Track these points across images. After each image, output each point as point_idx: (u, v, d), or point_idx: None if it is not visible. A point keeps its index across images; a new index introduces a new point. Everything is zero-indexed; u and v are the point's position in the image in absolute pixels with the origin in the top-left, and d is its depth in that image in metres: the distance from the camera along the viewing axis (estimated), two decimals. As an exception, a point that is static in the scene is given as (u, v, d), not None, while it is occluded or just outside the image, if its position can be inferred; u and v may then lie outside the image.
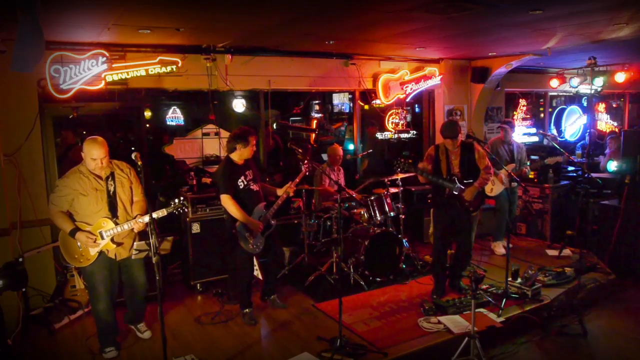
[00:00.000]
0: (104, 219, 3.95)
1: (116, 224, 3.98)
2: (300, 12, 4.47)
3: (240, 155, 4.66)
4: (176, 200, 3.98)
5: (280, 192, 4.92)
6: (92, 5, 3.95)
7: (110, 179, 4.01)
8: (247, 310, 4.85)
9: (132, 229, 4.04)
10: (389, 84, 7.50)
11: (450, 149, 5.07)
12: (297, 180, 4.94)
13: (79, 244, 3.92)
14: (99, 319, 4.17)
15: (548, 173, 7.39)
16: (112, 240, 3.98)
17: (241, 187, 4.64)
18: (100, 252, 3.99)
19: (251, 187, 4.72)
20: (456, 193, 4.96)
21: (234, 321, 4.83)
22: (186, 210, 4.21)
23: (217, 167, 4.80)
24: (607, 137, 9.55)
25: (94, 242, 3.88)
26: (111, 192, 4.00)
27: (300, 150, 4.97)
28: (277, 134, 8.78)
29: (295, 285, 5.73)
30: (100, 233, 3.93)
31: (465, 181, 4.99)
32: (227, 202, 4.50)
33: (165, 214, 3.99)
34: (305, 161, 4.97)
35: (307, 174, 4.99)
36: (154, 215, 3.91)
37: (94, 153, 3.86)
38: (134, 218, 4.02)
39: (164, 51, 5.74)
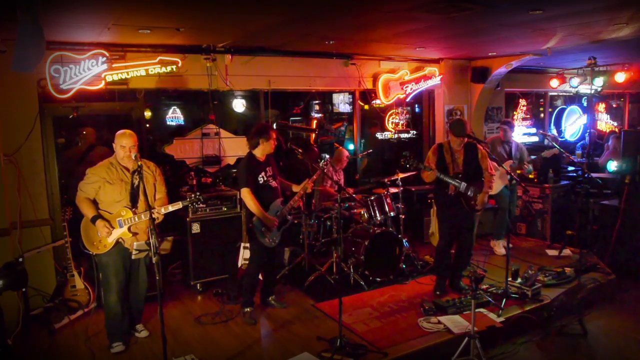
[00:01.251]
0: (124, 208, 4.11)
1: (134, 213, 4.12)
2: (300, 12, 4.47)
3: (262, 150, 4.76)
4: (193, 195, 4.18)
5: (297, 188, 4.96)
6: (92, 5, 3.96)
7: (136, 173, 4.17)
8: (247, 309, 4.87)
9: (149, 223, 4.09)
10: (389, 84, 7.50)
11: (455, 148, 5.07)
12: (315, 177, 5.00)
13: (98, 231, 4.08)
14: (109, 311, 4.24)
15: (548, 173, 7.38)
16: (129, 229, 4.11)
17: (261, 182, 4.72)
18: (117, 243, 4.11)
19: (270, 183, 4.80)
20: (462, 191, 4.95)
21: (234, 321, 4.82)
22: (201, 205, 4.37)
23: (240, 162, 4.98)
24: (609, 136, 9.53)
25: (108, 233, 4.03)
26: (135, 185, 4.16)
27: (300, 150, 4.98)
28: (279, 134, 8.78)
29: (295, 285, 5.73)
30: (119, 221, 4.09)
31: (469, 180, 5.00)
32: (246, 196, 4.60)
33: (181, 206, 4.16)
34: (327, 160, 5.11)
35: (324, 171, 5.04)
36: (170, 207, 4.13)
37: (123, 141, 4.11)
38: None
39: (164, 51, 5.74)
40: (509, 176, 5.25)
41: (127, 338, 4.39)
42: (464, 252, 5.34)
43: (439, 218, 5.36)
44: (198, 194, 4.20)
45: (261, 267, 4.95)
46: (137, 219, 4.12)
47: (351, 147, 8.15)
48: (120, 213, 4.10)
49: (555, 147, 6.78)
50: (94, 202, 4.13)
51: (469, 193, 4.98)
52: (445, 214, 5.23)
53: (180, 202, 4.14)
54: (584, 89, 8.25)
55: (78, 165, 5.84)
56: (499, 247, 6.79)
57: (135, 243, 4.13)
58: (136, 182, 4.17)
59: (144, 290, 4.46)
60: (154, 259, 3.50)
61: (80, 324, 4.80)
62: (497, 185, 6.49)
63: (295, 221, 6.59)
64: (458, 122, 5.14)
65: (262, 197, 4.69)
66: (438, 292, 5.12)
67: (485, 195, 5.08)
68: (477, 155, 5.14)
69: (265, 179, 4.76)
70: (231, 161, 6.60)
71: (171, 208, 4.14)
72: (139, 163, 3.94)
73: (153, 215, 4.02)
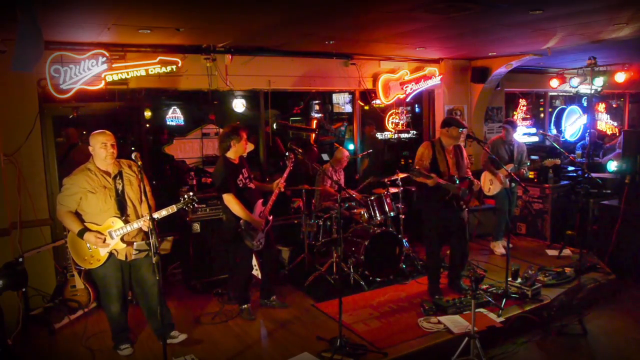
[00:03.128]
0: (113, 218, 3.86)
1: (126, 222, 3.90)
2: (300, 12, 4.47)
3: (235, 151, 4.67)
4: (185, 196, 3.84)
5: (273, 187, 4.94)
6: (92, 5, 3.96)
7: (118, 177, 3.95)
8: (245, 306, 4.89)
9: (142, 228, 3.96)
10: (389, 84, 7.50)
11: (447, 148, 5.06)
12: (285, 175, 4.93)
13: (88, 245, 3.86)
14: (112, 320, 4.17)
15: (548, 173, 7.39)
16: (121, 239, 3.90)
17: (240, 185, 4.66)
18: (111, 254, 3.92)
19: (249, 185, 4.76)
20: (457, 193, 4.93)
21: (234, 321, 4.82)
22: (196, 205, 4.01)
23: (215, 168, 4.80)
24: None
25: (103, 242, 3.81)
26: (119, 191, 3.93)
27: (300, 150, 4.98)
28: (277, 135, 8.79)
29: (295, 285, 5.73)
30: (110, 233, 3.84)
31: (461, 181, 5.01)
32: (231, 201, 4.52)
33: (175, 210, 3.87)
34: (292, 158, 4.92)
35: (291, 168, 4.96)
36: (164, 212, 3.86)
37: (103, 138, 3.83)
38: (143, 216, 3.94)
39: (164, 51, 5.74)
40: (508, 179, 5.26)
41: (132, 339, 4.34)
42: (460, 253, 5.30)
43: (428, 222, 5.17)
44: (192, 194, 3.83)
45: (250, 269, 4.93)
46: (129, 229, 3.86)
47: (351, 147, 8.16)
48: (109, 224, 3.85)
49: (558, 150, 6.78)
50: (77, 214, 3.87)
51: (460, 194, 4.97)
52: (438, 217, 5.10)
53: (174, 206, 3.84)
54: (584, 89, 8.25)
55: (59, 165, 5.81)
56: (499, 248, 6.78)
57: (135, 243, 3.99)
58: (120, 187, 3.94)
59: (154, 292, 4.12)
60: (153, 259, 3.43)
61: (80, 324, 4.80)
62: (495, 188, 6.50)
63: (295, 221, 6.60)
64: (454, 118, 5.19)
65: (244, 200, 4.60)
66: (437, 297, 5.10)
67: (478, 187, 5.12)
68: (463, 155, 5.20)
69: (243, 181, 4.69)
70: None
71: (165, 212, 3.84)
72: (139, 163, 3.66)
73: (142, 224, 3.88)
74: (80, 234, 3.79)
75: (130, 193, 4.02)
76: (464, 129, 5.02)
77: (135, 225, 3.88)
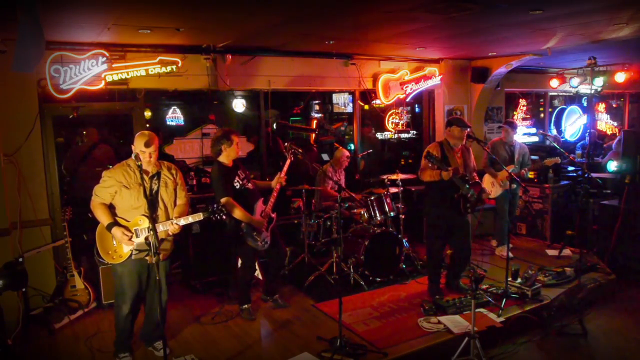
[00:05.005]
0: (141, 217, 3.82)
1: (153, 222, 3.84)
2: (300, 12, 4.47)
3: (227, 156, 4.65)
4: (215, 205, 3.84)
5: (273, 184, 4.93)
6: (92, 5, 3.96)
7: (155, 178, 3.93)
8: (246, 306, 4.90)
9: (168, 231, 3.89)
10: (389, 84, 7.50)
11: (454, 147, 5.03)
12: (285, 169, 4.93)
13: (114, 240, 3.85)
14: (119, 323, 4.10)
15: (548, 173, 7.39)
16: (146, 239, 3.82)
17: (237, 187, 4.66)
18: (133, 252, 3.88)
19: (247, 186, 4.76)
20: (467, 194, 4.89)
21: (234, 321, 4.83)
22: (224, 217, 3.92)
23: (211, 174, 4.80)
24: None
25: (129, 239, 3.77)
26: (154, 191, 3.91)
27: (300, 150, 4.98)
28: (277, 135, 8.80)
29: (295, 285, 5.73)
30: (136, 231, 3.82)
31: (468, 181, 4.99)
32: (230, 205, 4.50)
33: (202, 218, 3.85)
34: (290, 150, 4.90)
35: (292, 159, 4.95)
36: (190, 218, 3.84)
37: (143, 146, 3.77)
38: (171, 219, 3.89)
39: (164, 51, 5.74)
40: (509, 180, 5.24)
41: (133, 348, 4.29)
42: (463, 256, 5.28)
43: (432, 221, 5.18)
44: (222, 205, 3.85)
45: (253, 270, 4.94)
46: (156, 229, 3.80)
47: (351, 147, 8.16)
48: (137, 222, 3.82)
49: (558, 150, 6.79)
50: (111, 207, 3.86)
51: (469, 195, 4.94)
52: (442, 217, 5.09)
53: (200, 214, 3.84)
54: (584, 89, 8.25)
55: (80, 164, 5.84)
56: (504, 252, 6.70)
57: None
58: (155, 187, 3.91)
59: (164, 301, 4.02)
60: (153, 259, 3.42)
61: (80, 324, 4.81)
62: (496, 190, 6.49)
63: (296, 221, 6.60)
64: (457, 118, 5.18)
65: (244, 202, 4.60)
66: (437, 297, 5.09)
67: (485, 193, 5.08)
68: (470, 156, 5.18)
69: (240, 183, 4.69)
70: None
71: (191, 219, 3.82)
72: (139, 163, 3.63)
73: (168, 227, 3.84)
74: (109, 227, 3.78)
75: (164, 195, 3.97)
76: (466, 128, 4.99)
77: (162, 227, 3.82)
